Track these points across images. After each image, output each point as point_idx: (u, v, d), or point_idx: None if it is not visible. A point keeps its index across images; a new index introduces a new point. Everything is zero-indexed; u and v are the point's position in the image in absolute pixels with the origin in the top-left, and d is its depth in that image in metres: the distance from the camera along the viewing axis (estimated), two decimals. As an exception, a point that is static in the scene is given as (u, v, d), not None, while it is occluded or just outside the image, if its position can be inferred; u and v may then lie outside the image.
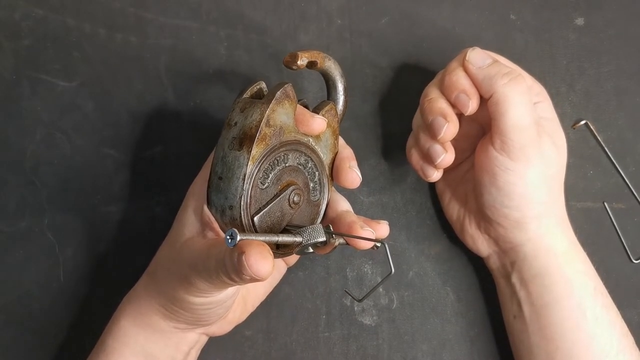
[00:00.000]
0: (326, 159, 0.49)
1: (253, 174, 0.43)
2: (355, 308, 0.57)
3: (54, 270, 0.57)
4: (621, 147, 0.59)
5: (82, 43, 0.58)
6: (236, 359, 0.56)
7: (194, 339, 0.51)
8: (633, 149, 0.59)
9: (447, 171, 0.56)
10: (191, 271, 0.44)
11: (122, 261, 0.57)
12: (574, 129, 0.58)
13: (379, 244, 0.45)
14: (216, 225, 0.45)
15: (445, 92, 0.51)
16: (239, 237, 0.38)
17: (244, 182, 0.43)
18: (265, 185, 0.45)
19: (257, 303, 0.54)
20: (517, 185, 0.49)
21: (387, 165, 0.59)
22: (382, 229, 0.47)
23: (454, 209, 0.56)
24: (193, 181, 0.50)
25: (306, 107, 0.49)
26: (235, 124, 0.44)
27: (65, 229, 0.57)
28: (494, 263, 0.55)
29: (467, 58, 0.50)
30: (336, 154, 0.50)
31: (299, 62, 0.46)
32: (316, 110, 0.48)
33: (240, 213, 0.44)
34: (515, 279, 0.53)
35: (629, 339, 0.51)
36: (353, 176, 0.48)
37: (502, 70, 0.49)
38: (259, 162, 0.44)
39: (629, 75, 0.60)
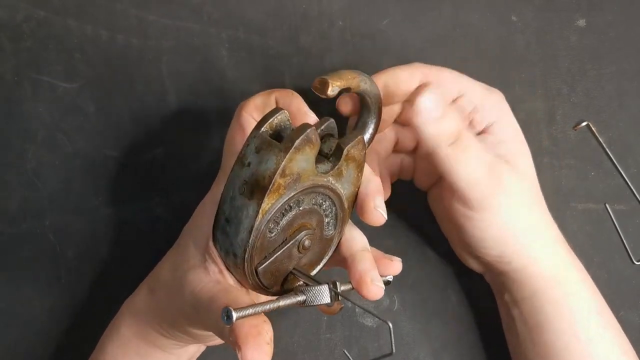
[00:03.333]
0: (347, 192, 0.44)
1: (261, 226, 0.40)
2: (357, 310, 0.57)
3: (55, 272, 0.57)
4: (622, 148, 0.59)
5: (83, 44, 0.58)
6: (237, 360, 0.56)
7: (194, 350, 0.51)
8: (634, 150, 0.59)
9: (432, 185, 0.54)
10: (193, 312, 0.43)
11: (123, 262, 0.57)
12: (576, 130, 0.58)
13: (391, 281, 0.44)
14: (219, 261, 0.44)
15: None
16: (234, 317, 0.36)
17: (250, 235, 0.40)
18: (274, 233, 0.42)
19: None
20: (488, 230, 0.48)
21: (388, 167, 0.59)
22: (395, 267, 0.45)
23: (445, 228, 0.55)
24: (199, 205, 0.49)
25: (333, 129, 0.44)
26: (249, 164, 0.40)
27: (66, 230, 0.57)
28: (488, 279, 0.55)
29: (414, 108, 0.44)
30: (359, 186, 0.45)
31: (329, 93, 0.42)
32: (343, 142, 0.43)
33: (244, 264, 0.41)
34: (507, 298, 0.52)
35: (630, 356, 0.50)
36: (378, 217, 0.44)
37: (447, 131, 0.44)
38: (270, 213, 0.40)
39: (631, 77, 0.59)
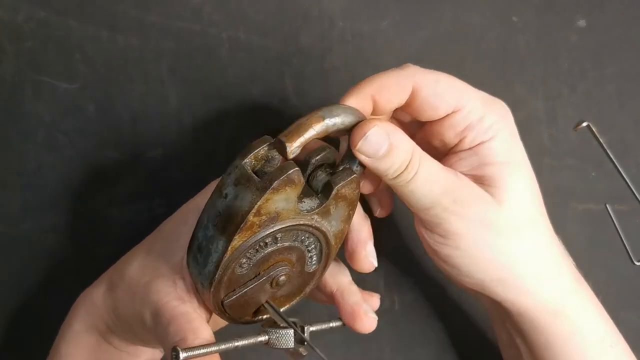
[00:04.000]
0: (335, 229, 0.42)
1: (230, 262, 0.38)
2: (357, 310, 0.57)
3: (55, 272, 0.57)
4: (623, 148, 0.59)
5: (84, 45, 0.58)
6: (238, 361, 0.56)
7: (148, 352, 0.50)
8: (635, 151, 0.59)
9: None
10: (151, 323, 0.42)
11: (123, 263, 0.57)
12: (576, 130, 0.59)
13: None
14: (189, 280, 0.42)
15: None
16: (182, 357, 0.35)
17: (217, 270, 0.38)
18: (245, 268, 0.40)
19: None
20: (457, 257, 0.43)
21: (388, 167, 0.59)
22: (375, 302, 0.44)
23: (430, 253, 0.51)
24: (183, 207, 0.48)
25: (329, 159, 0.42)
26: (226, 196, 0.38)
27: (66, 230, 0.57)
28: (485, 303, 0.50)
29: (357, 147, 0.40)
30: (350, 223, 0.43)
31: (289, 155, 0.37)
32: (334, 180, 0.40)
33: (210, 296, 0.40)
34: (509, 325, 0.47)
35: None
36: (369, 266, 0.44)
37: (393, 166, 0.41)
38: (240, 251, 0.38)
39: (631, 77, 0.59)
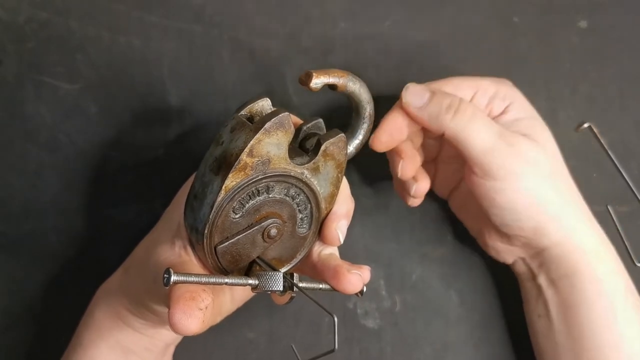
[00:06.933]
0: (325, 192, 0.45)
1: (224, 203, 0.40)
2: (358, 311, 0.57)
3: (57, 273, 0.57)
4: (625, 150, 0.58)
5: (85, 46, 0.58)
6: (238, 361, 0.56)
7: (168, 335, 0.51)
8: (637, 152, 0.59)
9: (452, 191, 0.56)
10: (152, 284, 0.43)
11: (124, 263, 0.57)
12: (578, 131, 0.59)
13: (364, 290, 0.43)
14: (186, 239, 0.44)
15: None
16: (173, 279, 0.36)
17: (211, 210, 0.40)
18: (239, 215, 0.42)
19: (240, 304, 0.52)
20: (518, 199, 0.48)
21: (390, 168, 0.59)
22: (364, 275, 0.45)
23: (472, 226, 0.56)
24: (184, 185, 0.50)
25: (320, 128, 0.46)
26: (222, 143, 0.41)
27: (68, 231, 0.57)
28: (519, 268, 0.54)
29: (403, 100, 0.47)
30: (339, 188, 0.45)
31: (311, 85, 0.42)
32: (323, 138, 0.43)
33: (204, 240, 0.41)
34: (542, 280, 0.51)
35: None
36: (334, 237, 0.46)
37: (443, 104, 0.47)
38: (234, 192, 0.40)
39: (633, 78, 0.59)
